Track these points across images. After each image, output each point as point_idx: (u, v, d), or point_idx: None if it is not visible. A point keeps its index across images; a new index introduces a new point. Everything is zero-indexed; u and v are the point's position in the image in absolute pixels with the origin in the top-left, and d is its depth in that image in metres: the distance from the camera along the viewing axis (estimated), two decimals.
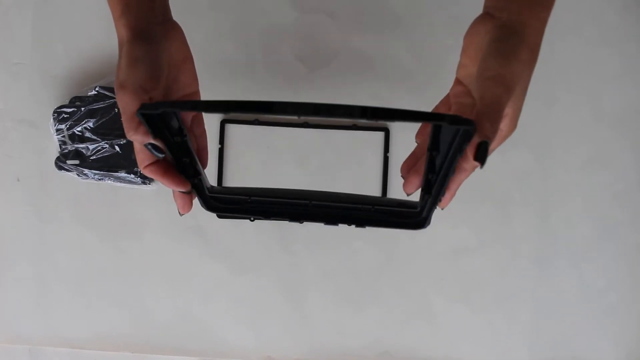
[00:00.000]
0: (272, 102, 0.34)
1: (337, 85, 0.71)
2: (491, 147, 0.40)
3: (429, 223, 0.45)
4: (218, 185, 0.71)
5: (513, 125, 0.42)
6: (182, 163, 0.44)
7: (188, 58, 0.46)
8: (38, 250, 0.71)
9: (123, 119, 0.42)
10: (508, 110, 0.41)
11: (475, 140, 0.38)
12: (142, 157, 0.44)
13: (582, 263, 0.71)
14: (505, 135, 0.42)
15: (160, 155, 0.43)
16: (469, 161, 0.40)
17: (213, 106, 0.37)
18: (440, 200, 0.44)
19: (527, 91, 0.41)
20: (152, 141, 0.42)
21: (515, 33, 0.40)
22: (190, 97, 0.47)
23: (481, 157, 0.38)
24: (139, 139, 0.42)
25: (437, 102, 0.47)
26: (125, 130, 0.42)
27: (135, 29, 0.42)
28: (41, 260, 0.71)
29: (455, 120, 0.36)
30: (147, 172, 0.44)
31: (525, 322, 0.71)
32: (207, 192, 0.47)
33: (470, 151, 0.38)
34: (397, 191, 0.71)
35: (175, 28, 0.45)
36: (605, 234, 0.71)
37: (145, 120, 0.40)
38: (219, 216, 0.51)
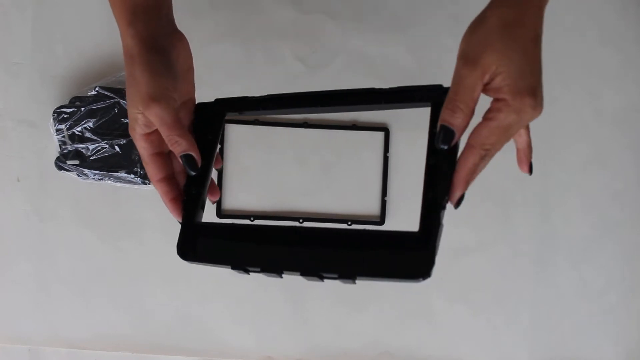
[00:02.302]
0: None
1: (337, 85, 0.70)
2: (506, 121, 0.37)
3: (431, 264, 0.37)
4: (218, 184, 0.71)
5: (515, 73, 0.37)
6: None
7: (191, 68, 0.47)
8: (38, 250, 0.71)
9: (164, 129, 0.42)
10: (501, 84, 0.37)
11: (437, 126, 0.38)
12: (155, 169, 0.44)
13: (582, 263, 0.71)
14: (511, 82, 0.37)
15: (193, 173, 0.44)
16: (479, 134, 0.38)
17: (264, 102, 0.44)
18: (448, 196, 0.38)
19: (531, 62, 0.37)
20: (193, 153, 0.43)
21: (488, 8, 0.38)
22: (187, 104, 0.47)
23: (441, 140, 0.38)
24: (184, 148, 0.43)
25: None
26: (173, 140, 0.43)
27: (145, 39, 0.43)
28: (41, 260, 0.71)
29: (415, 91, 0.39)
30: (159, 187, 0.45)
31: (525, 322, 0.71)
32: (196, 217, 0.45)
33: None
34: (399, 192, 0.71)
35: (181, 39, 0.46)
36: (605, 233, 0.71)
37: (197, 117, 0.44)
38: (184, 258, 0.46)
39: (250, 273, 0.41)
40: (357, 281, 0.38)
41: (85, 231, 0.71)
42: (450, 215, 0.71)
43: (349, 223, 0.70)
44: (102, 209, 0.71)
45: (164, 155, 0.45)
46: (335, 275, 0.37)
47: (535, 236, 0.71)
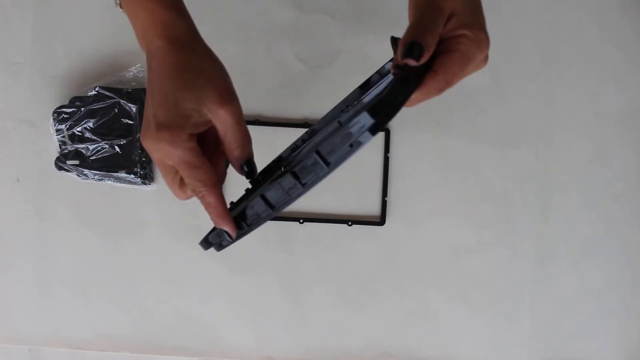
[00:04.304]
0: None
1: (337, 85, 0.71)
2: (468, 52, 0.38)
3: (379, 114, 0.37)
4: None
5: (469, 13, 0.39)
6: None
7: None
8: (38, 250, 0.71)
9: (241, 128, 0.40)
10: (456, 24, 0.38)
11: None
12: (212, 171, 0.40)
13: (582, 263, 0.71)
14: (467, 21, 0.39)
15: (249, 177, 0.43)
16: (442, 63, 0.38)
17: None
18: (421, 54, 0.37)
19: (478, 3, 0.40)
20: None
21: None
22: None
23: (414, 54, 0.37)
24: (251, 150, 0.41)
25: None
26: (246, 140, 0.40)
27: (200, 37, 0.42)
28: (41, 260, 0.71)
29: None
30: (215, 194, 0.40)
31: (525, 322, 0.71)
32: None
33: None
34: (399, 192, 0.71)
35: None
36: (606, 233, 0.71)
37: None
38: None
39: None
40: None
41: (85, 231, 0.71)
42: (450, 215, 0.71)
43: (349, 223, 0.70)
44: (102, 209, 0.71)
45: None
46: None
47: (535, 236, 0.71)
